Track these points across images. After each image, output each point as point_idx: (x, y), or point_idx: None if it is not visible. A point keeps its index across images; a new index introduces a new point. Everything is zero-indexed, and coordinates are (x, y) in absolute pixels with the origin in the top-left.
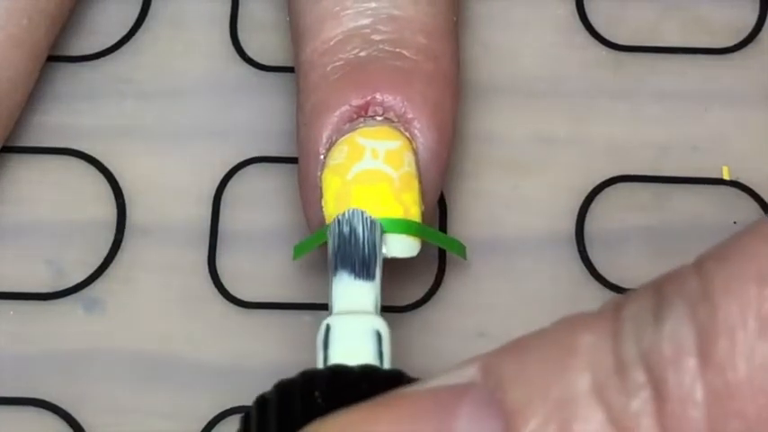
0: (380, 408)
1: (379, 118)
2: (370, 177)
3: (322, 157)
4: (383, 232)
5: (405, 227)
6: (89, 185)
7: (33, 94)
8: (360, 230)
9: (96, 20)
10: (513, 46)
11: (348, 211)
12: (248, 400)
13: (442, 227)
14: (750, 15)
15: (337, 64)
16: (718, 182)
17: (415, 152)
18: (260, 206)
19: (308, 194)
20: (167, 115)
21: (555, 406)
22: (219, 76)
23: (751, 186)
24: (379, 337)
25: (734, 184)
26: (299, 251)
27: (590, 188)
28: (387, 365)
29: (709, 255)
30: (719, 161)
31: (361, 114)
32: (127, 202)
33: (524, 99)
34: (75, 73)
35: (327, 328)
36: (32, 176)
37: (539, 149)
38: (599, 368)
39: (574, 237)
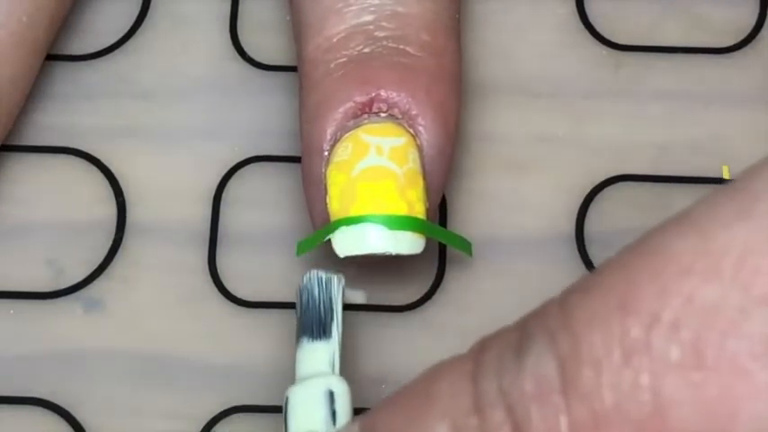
0: None
1: (383, 115)
2: (376, 174)
3: (326, 153)
4: (344, 285)
5: (409, 224)
6: (89, 185)
7: (33, 94)
8: (315, 292)
9: (96, 20)
10: (514, 46)
11: (304, 276)
12: (248, 399)
13: (443, 227)
14: (750, 15)
15: (341, 61)
16: (718, 182)
17: (420, 149)
18: (260, 206)
19: (312, 191)
20: (167, 115)
21: None
22: (219, 76)
23: None
24: (331, 396)
25: None
26: (302, 248)
27: (590, 188)
28: (340, 420)
29: (572, 289)
30: (719, 161)
31: (366, 111)
32: (127, 201)
33: (524, 99)
34: (76, 73)
35: (286, 400)
36: (32, 176)
37: (539, 149)
38: (456, 412)
39: (574, 237)
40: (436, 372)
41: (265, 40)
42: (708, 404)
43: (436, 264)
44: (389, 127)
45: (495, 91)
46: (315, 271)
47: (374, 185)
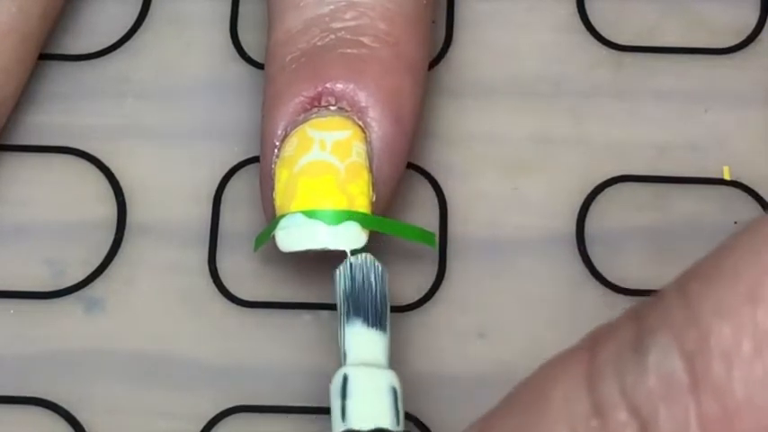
0: None
1: (333, 108)
2: (316, 169)
3: (276, 149)
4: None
5: (348, 218)
6: (89, 185)
7: (33, 94)
8: (372, 279)
9: (96, 20)
10: (514, 46)
11: (360, 256)
12: (248, 399)
13: (443, 227)
14: (751, 15)
15: (295, 54)
16: (719, 182)
17: (368, 142)
18: (260, 206)
19: (264, 186)
20: (167, 115)
21: None
22: (219, 76)
23: (751, 186)
24: (395, 393)
25: (734, 184)
26: (258, 243)
27: (590, 188)
28: (401, 420)
29: (691, 276)
30: (719, 161)
31: (315, 105)
32: (127, 201)
33: (524, 99)
34: (76, 73)
35: (345, 379)
36: (32, 176)
37: (539, 149)
38: (575, 417)
39: (574, 237)
40: (549, 373)
41: (265, 40)
42: None
43: (436, 264)
44: (335, 120)
45: (494, 91)
46: (371, 257)
47: (313, 181)
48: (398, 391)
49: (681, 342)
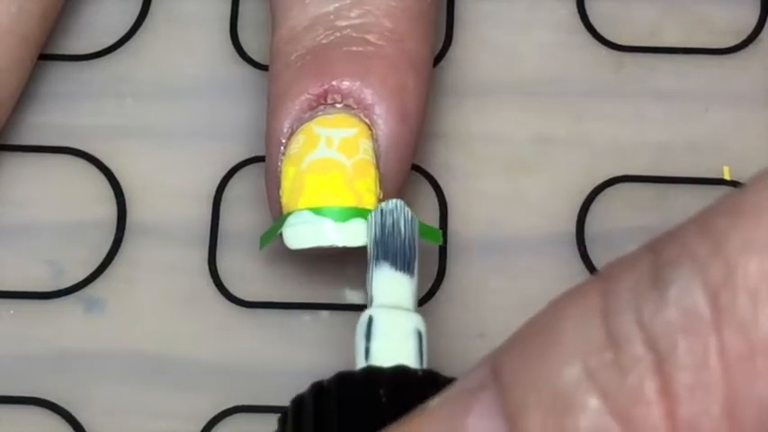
0: (403, 427)
1: (339, 105)
2: (323, 166)
3: (282, 147)
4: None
5: (357, 215)
6: (89, 185)
7: (34, 94)
8: (402, 224)
9: (96, 19)
10: (514, 46)
11: (390, 202)
12: (248, 399)
13: (443, 227)
14: (751, 16)
15: (300, 52)
16: (719, 182)
17: (375, 139)
18: (260, 206)
19: (270, 184)
20: (167, 115)
21: (549, 403)
22: (219, 76)
23: None
24: (419, 335)
25: (734, 184)
26: (264, 241)
27: (590, 188)
28: (425, 363)
29: (713, 213)
30: (719, 161)
31: (321, 102)
32: (127, 201)
33: (524, 99)
34: (75, 73)
35: (370, 320)
36: (32, 176)
37: (539, 149)
38: (588, 352)
39: (574, 237)
40: (561, 306)
41: (265, 40)
42: None
43: (437, 264)
44: (342, 118)
45: (495, 91)
46: (402, 202)
47: (321, 178)
48: (423, 333)
49: (704, 275)
